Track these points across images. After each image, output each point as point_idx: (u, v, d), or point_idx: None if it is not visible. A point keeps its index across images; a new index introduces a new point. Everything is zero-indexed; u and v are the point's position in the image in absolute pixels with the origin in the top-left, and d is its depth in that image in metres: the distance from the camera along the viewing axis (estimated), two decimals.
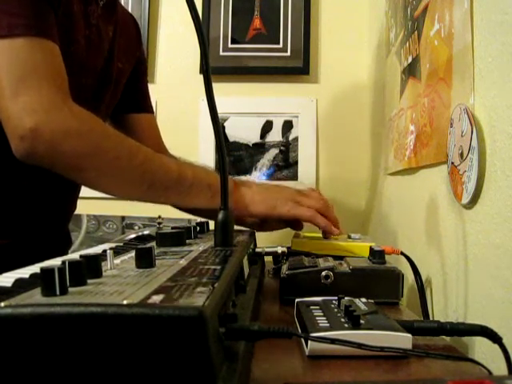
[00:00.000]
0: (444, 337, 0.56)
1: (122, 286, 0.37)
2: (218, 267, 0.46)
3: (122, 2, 1.44)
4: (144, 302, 0.32)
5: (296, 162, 1.51)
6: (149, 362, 0.30)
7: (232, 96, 1.52)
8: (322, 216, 0.92)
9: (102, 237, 1.52)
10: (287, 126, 1.52)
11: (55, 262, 0.58)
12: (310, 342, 0.48)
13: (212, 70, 0.62)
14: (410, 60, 0.98)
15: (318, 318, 0.53)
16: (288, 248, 0.89)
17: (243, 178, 1.45)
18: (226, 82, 1.51)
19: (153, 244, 0.61)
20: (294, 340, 0.52)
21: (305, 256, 0.83)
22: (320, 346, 0.46)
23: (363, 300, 0.59)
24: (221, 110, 0.65)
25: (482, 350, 0.59)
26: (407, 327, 0.52)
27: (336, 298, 0.59)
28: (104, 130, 0.78)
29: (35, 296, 0.35)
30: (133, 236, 0.95)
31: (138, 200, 0.88)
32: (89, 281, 0.38)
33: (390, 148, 1.15)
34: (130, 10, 1.39)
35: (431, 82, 0.82)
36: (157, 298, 0.33)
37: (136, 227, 1.51)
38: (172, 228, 0.73)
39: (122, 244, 0.77)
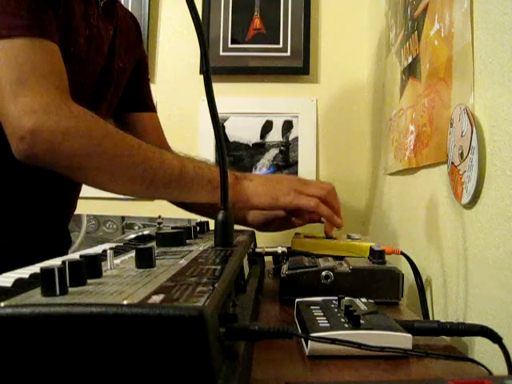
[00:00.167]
0: (444, 337, 0.56)
1: (122, 286, 0.37)
2: (218, 267, 0.46)
3: (122, 2, 1.44)
4: (144, 302, 0.32)
5: (296, 162, 1.51)
6: (149, 362, 0.30)
7: (232, 96, 1.52)
8: (326, 204, 0.92)
9: (102, 237, 1.52)
10: (287, 125, 1.52)
11: (55, 261, 0.58)
12: (310, 341, 0.48)
13: (212, 70, 0.62)
14: (410, 60, 0.98)
15: (318, 318, 0.53)
16: (288, 248, 0.89)
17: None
18: (226, 82, 1.51)
19: (153, 244, 0.61)
20: (294, 340, 0.53)
21: (305, 256, 0.83)
22: (320, 346, 0.46)
23: (363, 300, 0.60)
24: (221, 110, 0.65)
25: (481, 349, 0.59)
26: (407, 327, 0.52)
27: (336, 297, 0.59)
28: (104, 128, 0.78)
29: (35, 296, 0.35)
30: (133, 236, 0.95)
31: (140, 196, 0.88)
32: (89, 281, 0.38)
33: (389, 148, 1.15)
34: (129, 10, 1.39)
35: (431, 81, 0.82)
36: (157, 298, 0.33)
37: (136, 227, 1.51)
38: (172, 228, 0.73)
39: (122, 244, 0.77)
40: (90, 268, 0.40)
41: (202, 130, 1.51)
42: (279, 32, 1.52)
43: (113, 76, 0.99)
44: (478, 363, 0.45)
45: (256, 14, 1.53)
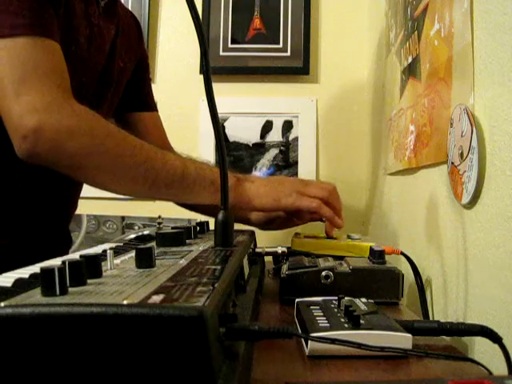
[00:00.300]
0: (444, 337, 0.56)
1: (122, 285, 0.37)
2: (218, 267, 0.46)
3: (122, 2, 1.44)
4: (144, 302, 0.32)
5: (296, 162, 1.51)
6: (149, 361, 0.30)
7: (232, 96, 1.52)
8: (328, 205, 0.92)
9: (102, 237, 1.52)
10: (287, 125, 1.52)
11: (55, 261, 0.58)
12: (310, 341, 0.48)
13: (212, 70, 0.62)
14: (409, 60, 0.98)
15: (318, 318, 0.53)
16: (288, 248, 0.89)
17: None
18: (226, 82, 1.51)
19: (153, 244, 0.61)
20: (294, 340, 0.53)
21: (305, 256, 0.83)
22: (320, 346, 0.46)
23: (363, 300, 0.60)
24: (221, 110, 0.65)
25: (481, 349, 0.59)
26: (407, 327, 0.52)
27: (336, 298, 0.59)
28: (106, 127, 0.78)
29: (35, 296, 0.35)
30: (133, 236, 0.95)
31: (141, 197, 0.88)
32: (89, 281, 0.38)
33: (389, 148, 1.15)
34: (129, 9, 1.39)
35: (431, 81, 0.82)
36: (157, 298, 0.33)
37: (136, 227, 1.51)
38: (172, 228, 0.73)
39: (122, 244, 0.77)
40: (90, 268, 0.40)
41: (202, 129, 1.51)
42: (279, 32, 1.52)
43: (113, 75, 0.99)
44: (478, 363, 0.45)
45: (256, 14, 1.53)
